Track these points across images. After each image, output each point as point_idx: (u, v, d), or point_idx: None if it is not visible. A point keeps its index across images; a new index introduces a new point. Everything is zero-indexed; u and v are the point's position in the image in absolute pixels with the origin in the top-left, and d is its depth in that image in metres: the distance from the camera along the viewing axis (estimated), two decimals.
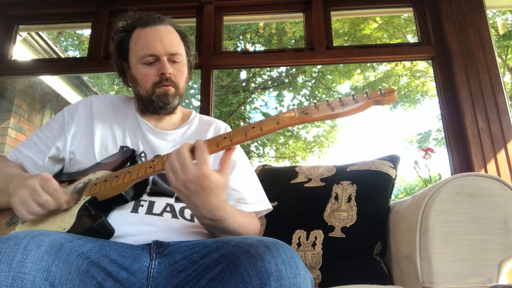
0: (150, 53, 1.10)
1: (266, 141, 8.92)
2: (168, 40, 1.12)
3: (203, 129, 1.23)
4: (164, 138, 1.15)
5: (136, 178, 0.89)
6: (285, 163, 9.12)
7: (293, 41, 8.03)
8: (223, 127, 1.26)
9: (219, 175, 0.82)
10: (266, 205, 1.16)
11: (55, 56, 4.40)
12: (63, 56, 5.16)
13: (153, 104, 1.13)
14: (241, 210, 1.03)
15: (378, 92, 0.76)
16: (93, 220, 0.84)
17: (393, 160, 1.44)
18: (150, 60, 1.11)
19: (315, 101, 0.82)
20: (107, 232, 0.86)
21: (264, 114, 8.81)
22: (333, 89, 8.97)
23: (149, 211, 0.97)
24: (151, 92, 1.12)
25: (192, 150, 0.83)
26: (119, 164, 1.00)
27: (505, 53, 7.14)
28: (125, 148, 1.10)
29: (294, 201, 1.41)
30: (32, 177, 0.89)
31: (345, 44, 7.32)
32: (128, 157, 1.01)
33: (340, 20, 6.74)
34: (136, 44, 1.13)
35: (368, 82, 8.67)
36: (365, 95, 0.77)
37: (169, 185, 1.04)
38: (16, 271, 0.62)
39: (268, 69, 8.66)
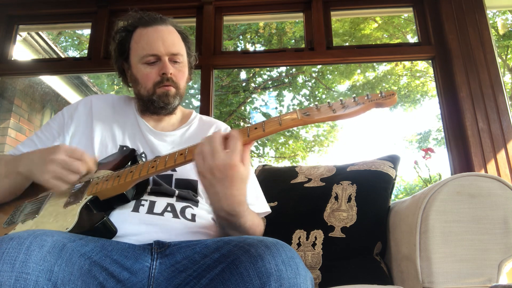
0: (152, 53, 1.10)
1: (266, 141, 8.92)
2: (169, 40, 1.13)
3: (203, 129, 1.23)
4: (163, 139, 1.15)
5: (138, 178, 0.90)
6: (285, 163, 9.12)
7: (293, 41, 8.03)
8: (224, 128, 1.26)
9: (245, 169, 0.82)
10: (264, 208, 1.16)
11: (55, 56, 4.40)
12: (63, 56, 5.16)
13: (154, 104, 1.13)
14: (252, 210, 1.03)
15: (379, 95, 0.78)
16: (96, 220, 0.84)
17: (393, 160, 1.44)
18: (151, 59, 1.11)
19: (316, 103, 0.83)
20: (110, 231, 0.86)
21: (264, 114, 8.81)
22: (333, 89, 8.97)
23: (150, 210, 0.97)
24: (152, 92, 1.12)
25: (224, 140, 0.82)
26: (119, 163, 1.00)
27: (505, 53, 7.14)
28: (124, 148, 1.10)
29: (294, 201, 1.41)
30: (54, 151, 0.91)
31: (345, 44, 7.32)
32: (129, 157, 1.02)
33: (340, 20, 6.74)
34: (138, 44, 1.13)
35: (368, 82, 8.67)
36: (366, 98, 0.78)
37: (169, 186, 1.05)
38: (19, 271, 0.62)
39: (268, 69, 8.66)
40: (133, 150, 1.04)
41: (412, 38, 7.17)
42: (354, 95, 0.81)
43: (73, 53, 8.48)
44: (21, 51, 3.82)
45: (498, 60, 2.07)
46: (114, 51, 1.21)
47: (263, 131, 0.82)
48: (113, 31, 1.22)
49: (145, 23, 1.14)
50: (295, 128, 8.92)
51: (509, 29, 6.76)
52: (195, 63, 1.27)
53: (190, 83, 1.28)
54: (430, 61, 2.22)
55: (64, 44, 8.27)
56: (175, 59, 1.14)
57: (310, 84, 8.99)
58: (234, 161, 0.79)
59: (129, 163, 1.00)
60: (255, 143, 8.75)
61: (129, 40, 1.16)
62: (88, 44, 2.37)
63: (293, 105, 8.89)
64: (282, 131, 0.85)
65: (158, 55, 1.11)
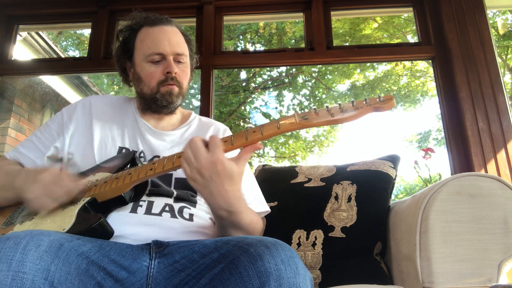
0: (157, 52, 1.11)
1: (266, 141, 8.91)
2: (174, 41, 1.14)
3: (202, 130, 1.23)
4: (163, 139, 1.15)
5: (136, 180, 0.90)
6: (285, 163, 9.12)
7: (293, 41, 8.03)
8: (222, 129, 1.26)
9: (234, 164, 0.83)
10: (263, 207, 1.16)
11: (55, 56, 4.40)
12: (63, 56, 5.16)
13: (156, 102, 1.14)
14: (249, 207, 1.02)
15: (377, 99, 0.79)
16: (93, 221, 0.84)
17: (393, 160, 1.44)
18: (156, 58, 1.12)
19: (315, 107, 0.84)
20: (107, 232, 0.86)
21: (264, 114, 8.81)
22: (333, 89, 8.97)
23: (148, 211, 0.97)
24: (155, 91, 1.13)
25: (206, 144, 0.83)
26: (119, 167, 1.00)
27: (505, 53, 7.14)
28: (124, 150, 1.10)
29: (294, 201, 1.41)
30: (43, 172, 0.91)
31: (345, 44, 7.32)
32: (128, 159, 1.02)
33: (340, 20, 6.74)
34: (143, 42, 1.14)
35: (368, 82, 8.67)
36: (364, 102, 0.80)
37: (168, 187, 1.05)
38: (15, 271, 0.61)
39: (268, 69, 8.66)
40: (133, 153, 1.04)
41: (412, 38, 7.17)
42: (353, 99, 0.82)
43: (73, 53, 8.48)
44: (21, 51, 3.82)
45: (498, 60, 2.07)
46: (117, 50, 1.21)
47: (261, 135, 0.83)
48: (115, 30, 1.23)
49: (151, 23, 1.15)
50: None
51: (509, 29, 6.77)
52: (195, 66, 1.28)
53: (190, 83, 1.29)
54: (430, 61, 2.22)
55: (64, 44, 8.28)
56: (179, 59, 1.15)
57: (310, 84, 8.99)
58: (218, 156, 0.80)
59: (128, 166, 1.00)
60: None
61: (133, 39, 1.17)
62: (88, 44, 2.37)
63: (293, 105, 8.89)
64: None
65: (164, 54, 1.12)
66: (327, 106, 0.81)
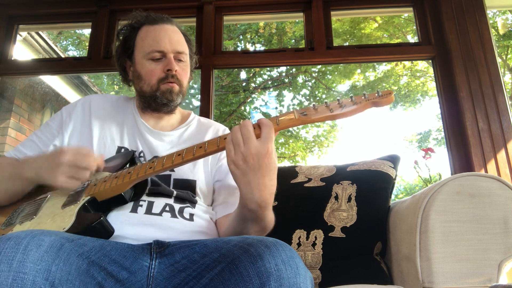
0: (158, 49, 1.12)
1: None
2: (175, 39, 1.15)
3: (201, 131, 1.23)
4: (161, 139, 1.15)
5: (136, 179, 0.89)
6: (285, 163, 9.12)
7: (293, 41, 8.04)
8: (222, 129, 1.27)
9: (277, 159, 0.81)
10: None
11: (55, 56, 4.40)
12: (63, 56, 5.16)
13: (156, 100, 1.14)
14: None
15: (376, 94, 0.79)
16: (93, 219, 0.84)
17: (393, 160, 1.44)
18: (157, 56, 1.12)
19: (314, 103, 0.84)
20: (107, 231, 0.86)
21: (264, 114, 8.81)
22: (333, 89, 8.97)
23: (148, 211, 0.96)
24: (155, 88, 1.13)
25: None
26: (118, 166, 1.00)
27: (505, 53, 7.14)
28: (123, 150, 1.10)
29: (294, 201, 1.41)
30: (60, 154, 0.92)
31: (345, 44, 7.32)
32: (128, 159, 1.02)
33: (340, 19, 6.74)
34: (144, 40, 1.15)
35: (368, 82, 8.68)
36: (363, 97, 0.80)
37: (168, 187, 1.05)
38: (16, 271, 0.61)
39: (268, 69, 8.66)
40: (132, 152, 1.04)
41: (412, 38, 7.17)
42: (352, 94, 0.82)
43: (73, 53, 8.48)
44: (21, 51, 3.81)
45: (498, 60, 2.07)
46: (118, 48, 1.22)
47: (260, 131, 0.82)
48: (115, 30, 1.23)
49: (152, 21, 1.16)
50: (295, 128, 8.93)
51: (509, 29, 6.77)
52: (195, 66, 1.28)
53: (190, 83, 1.29)
54: (430, 61, 2.22)
55: (64, 43, 8.28)
56: (179, 57, 1.15)
57: (310, 84, 8.99)
58: (269, 149, 0.78)
59: (127, 165, 1.00)
60: None
61: (134, 37, 1.17)
62: (88, 44, 2.37)
63: (293, 105, 8.89)
64: (281, 130, 0.85)
65: (164, 51, 1.12)
66: (326, 102, 0.81)
